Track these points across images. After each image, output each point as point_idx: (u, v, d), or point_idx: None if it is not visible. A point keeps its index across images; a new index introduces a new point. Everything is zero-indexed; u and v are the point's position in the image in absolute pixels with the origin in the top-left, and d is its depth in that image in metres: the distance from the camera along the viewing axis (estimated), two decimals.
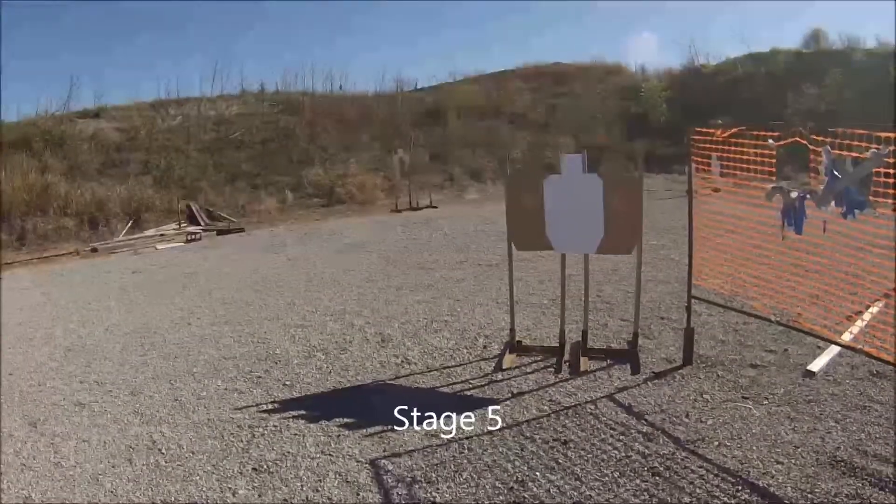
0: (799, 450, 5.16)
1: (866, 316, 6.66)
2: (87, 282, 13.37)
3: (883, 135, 4.86)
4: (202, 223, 19.76)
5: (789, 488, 4.67)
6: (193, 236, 18.01)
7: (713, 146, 6.62)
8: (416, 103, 29.89)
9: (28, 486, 5.50)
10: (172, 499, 5.17)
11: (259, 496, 5.09)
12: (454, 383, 6.94)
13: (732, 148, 6.42)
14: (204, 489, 5.28)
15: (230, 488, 5.26)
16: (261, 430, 6.21)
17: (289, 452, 5.74)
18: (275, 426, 6.26)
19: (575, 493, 4.86)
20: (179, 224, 19.76)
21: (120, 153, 23.26)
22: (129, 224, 19.34)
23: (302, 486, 5.19)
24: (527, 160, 11.84)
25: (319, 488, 5.12)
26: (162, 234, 18.69)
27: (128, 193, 20.15)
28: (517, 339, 7.72)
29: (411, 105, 29.64)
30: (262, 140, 25.58)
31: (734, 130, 6.43)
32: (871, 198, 5.03)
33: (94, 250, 17.13)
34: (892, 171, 4.85)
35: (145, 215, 19.89)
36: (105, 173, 21.80)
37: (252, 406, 6.76)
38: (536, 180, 7.00)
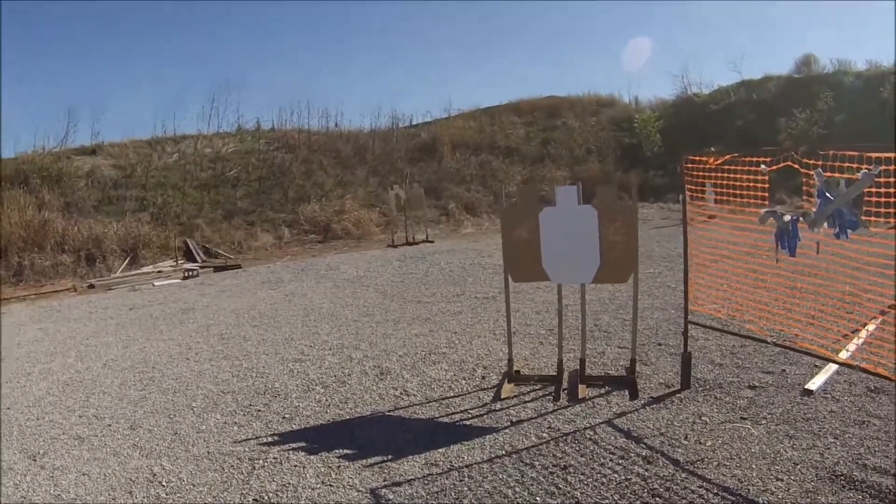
0: (798, 466, 5.19)
1: (863, 334, 6.71)
2: (84, 318, 13.35)
3: (873, 155, 4.94)
4: (199, 260, 19.77)
5: None
6: (190, 273, 18.01)
7: (706, 174, 6.70)
8: (410, 139, 30.06)
9: None
10: None
11: None
12: (453, 413, 6.94)
13: (725, 175, 6.49)
14: None
15: None
16: (261, 462, 6.20)
17: (290, 483, 5.74)
18: (275, 458, 6.26)
19: None
20: (176, 260, 19.78)
21: (116, 190, 23.31)
22: (127, 261, 19.35)
23: None
24: (522, 193, 12.02)
25: None
26: (159, 271, 18.70)
27: (124, 230, 20.16)
28: (515, 368, 7.73)
29: (406, 140, 29.81)
30: (258, 177, 25.67)
31: (726, 157, 6.51)
32: (863, 217, 5.10)
33: (92, 286, 17.13)
34: (883, 190, 4.93)
35: (142, 252, 19.89)
36: (101, 210, 21.84)
37: (252, 439, 6.76)
38: (532, 212, 7.05)
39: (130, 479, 6.06)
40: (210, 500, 5.59)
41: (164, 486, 5.90)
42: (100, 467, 6.35)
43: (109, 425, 7.39)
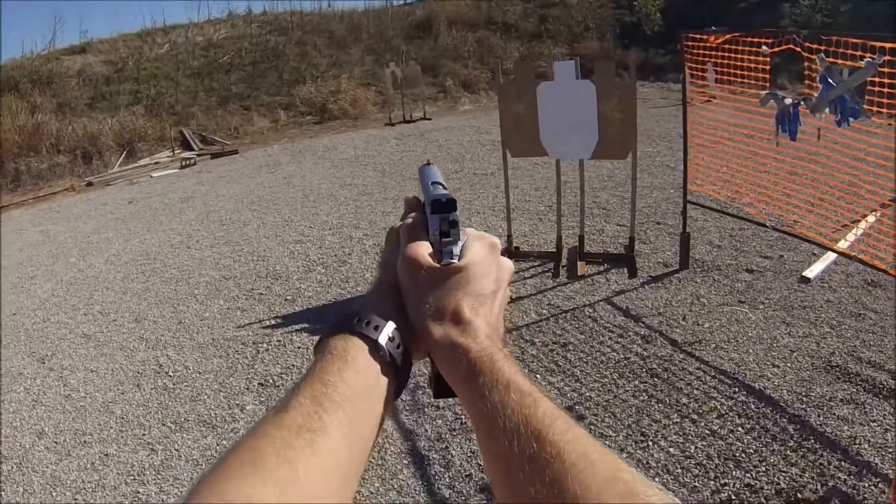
0: (794, 354, 5.26)
1: (862, 225, 6.70)
2: (83, 216, 13.31)
3: (877, 44, 4.83)
4: (196, 148, 19.57)
5: (785, 391, 4.78)
6: (188, 161, 17.85)
7: (707, 54, 6.58)
8: (406, 16, 29.43)
9: (41, 420, 5.63)
10: (182, 419, 5.32)
11: (267, 410, 5.20)
12: None
13: (726, 55, 6.37)
14: (212, 407, 5.44)
15: (238, 404, 5.42)
16: (265, 345, 6.34)
17: (293, 365, 5.88)
18: (278, 341, 6.40)
19: (575, 395, 4.99)
20: (173, 151, 19.58)
21: (109, 86, 22.91)
22: (123, 155, 19.18)
23: None
24: (519, 69, 11.72)
25: None
26: (156, 163, 18.55)
27: (119, 125, 19.85)
28: (514, 245, 7.79)
29: (401, 18, 29.19)
30: (251, 62, 25.21)
31: (727, 37, 6.37)
32: (865, 106, 5.02)
33: (90, 184, 17.02)
34: (887, 80, 4.85)
35: (139, 145, 19.68)
36: (95, 107, 21.50)
37: (255, 323, 6.89)
38: (529, 88, 6.95)
39: (138, 373, 6.21)
40: (217, 386, 5.75)
41: (170, 375, 6.06)
42: (107, 363, 6.49)
43: (115, 320, 7.51)
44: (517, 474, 0.67)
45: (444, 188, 0.97)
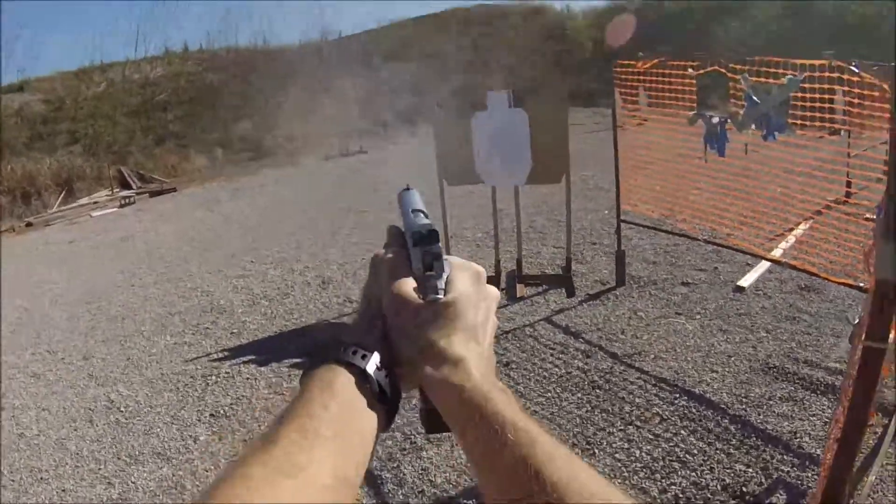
0: (732, 359, 5.46)
1: (795, 234, 6.97)
2: (25, 256, 13.19)
3: (798, 61, 5.13)
4: (134, 186, 19.51)
5: (724, 394, 4.97)
6: (127, 200, 17.80)
7: (637, 78, 6.83)
8: (345, 51, 29.55)
9: None
10: (137, 452, 5.32)
11: (219, 439, 5.29)
12: None
13: (656, 79, 6.62)
14: (166, 439, 5.45)
15: (191, 436, 5.43)
16: (214, 378, 6.37)
17: (243, 396, 5.92)
18: (227, 373, 6.43)
19: None
20: (112, 190, 19.48)
21: (47, 125, 22.76)
22: (62, 195, 19.02)
23: (259, 425, 5.37)
24: (455, 100, 11.90)
25: None
26: (95, 202, 18.43)
27: (58, 165, 19.75)
28: None
29: (337, 54, 29.29)
30: (188, 99, 25.19)
31: (655, 61, 6.64)
32: (790, 121, 5.29)
33: (30, 224, 16.87)
34: (808, 96, 5.14)
35: (77, 185, 19.53)
36: (33, 147, 21.33)
37: (203, 356, 6.92)
38: (464, 118, 7.10)
39: (89, 409, 6.19)
40: (168, 419, 5.76)
41: (122, 411, 6.06)
42: (58, 400, 6.46)
43: (63, 359, 7.48)
44: None
45: (426, 215, 0.97)
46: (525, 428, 0.73)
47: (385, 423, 0.82)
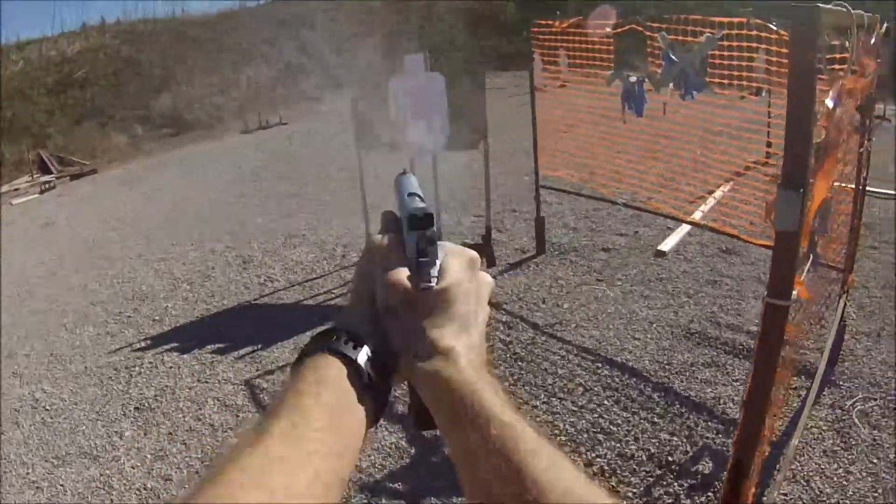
0: (654, 325, 5.41)
1: (715, 195, 6.95)
2: None
3: (716, 19, 5.02)
4: (54, 171, 18.77)
5: (647, 361, 4.92)
6: (47, 186, 17.19)
7: (556, 39, 6.69)
8: (266, 18, 29.01)
9: None
10: (64, 453, 5.08)
11: (145, 434, 5.06)
12: (317, 294, 7.00)
13: (575, 40, 6.50)
14: (91, 437, 5.21)
15: (116, 431, 5.21)
16: (137, 369, 6.12)
17: (167, 387, 5.70)
18: (150, 363, 6.19)
19: None
20: (32, 175, 18.73)
21: None
22: None
23: (184, 416, 5.19)
24: (372, 66, 11.66)
25: (201, 416, 5.13)
26: (16, 189, 17.70)
27: None
28: None
29: (257, 22, 28.76)
30: (106, 74, 24.37)
31: (572, 21, 6.51)
32: (708, 80, 5.19)
33: None
34: (727, 54, 5.05)
35: None
36: None
37: (126, 347, 6.64)
38: (381, 83, 6.88)
39: (15, 410, 5.87)
40: (94, 415, 5.50)
41: (48, 409, 5.76)
42: None
43: None
44: None
45: (422, 199, 0.94)
46: (510, 423, 0.71)
47: (374, 415, 0.79)
